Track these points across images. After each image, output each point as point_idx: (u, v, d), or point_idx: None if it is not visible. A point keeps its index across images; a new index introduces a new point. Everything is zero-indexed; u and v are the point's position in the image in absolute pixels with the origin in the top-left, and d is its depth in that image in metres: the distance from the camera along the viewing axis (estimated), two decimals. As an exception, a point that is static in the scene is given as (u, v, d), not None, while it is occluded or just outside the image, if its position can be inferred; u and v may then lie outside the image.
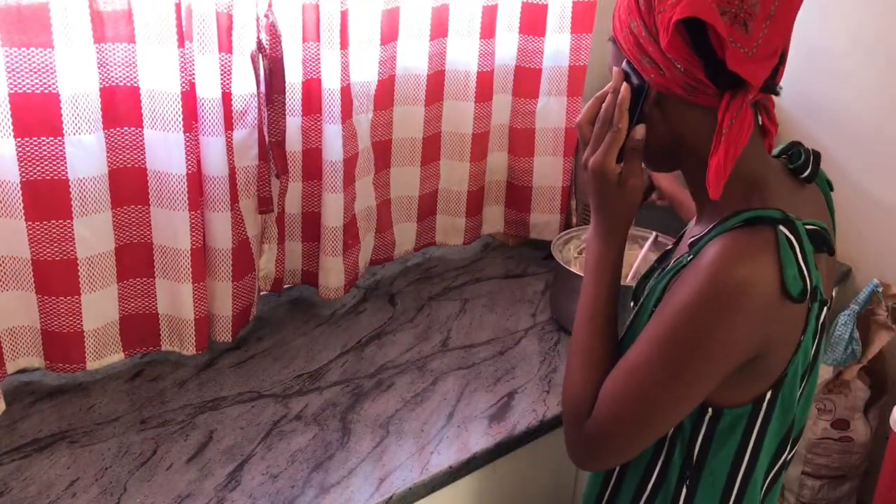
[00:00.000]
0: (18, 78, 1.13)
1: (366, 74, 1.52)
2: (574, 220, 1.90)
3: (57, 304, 1.27)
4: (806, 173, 0.94)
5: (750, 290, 0.80)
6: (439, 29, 1.61)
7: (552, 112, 1.78)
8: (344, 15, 1.39)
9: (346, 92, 1.45)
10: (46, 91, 1.15)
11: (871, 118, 1.89)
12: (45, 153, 1.18)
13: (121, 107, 1.25)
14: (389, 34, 1.52)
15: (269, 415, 1.31)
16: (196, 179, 1.30)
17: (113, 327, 1.35)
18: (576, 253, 1.67)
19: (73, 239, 1.24)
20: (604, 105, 0.93)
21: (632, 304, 1.03)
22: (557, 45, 1.73)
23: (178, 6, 1.20)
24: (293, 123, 1.48)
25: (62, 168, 1.20)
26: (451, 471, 1.22)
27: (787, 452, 0.97)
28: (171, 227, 1.33)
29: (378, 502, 1.14)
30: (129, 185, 1.30)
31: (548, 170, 1.83)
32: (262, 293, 1.59)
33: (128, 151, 1.28)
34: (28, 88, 1.14)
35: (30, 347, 1.30)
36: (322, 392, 1.37)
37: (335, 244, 1.55)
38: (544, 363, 1.49)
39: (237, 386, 1.38)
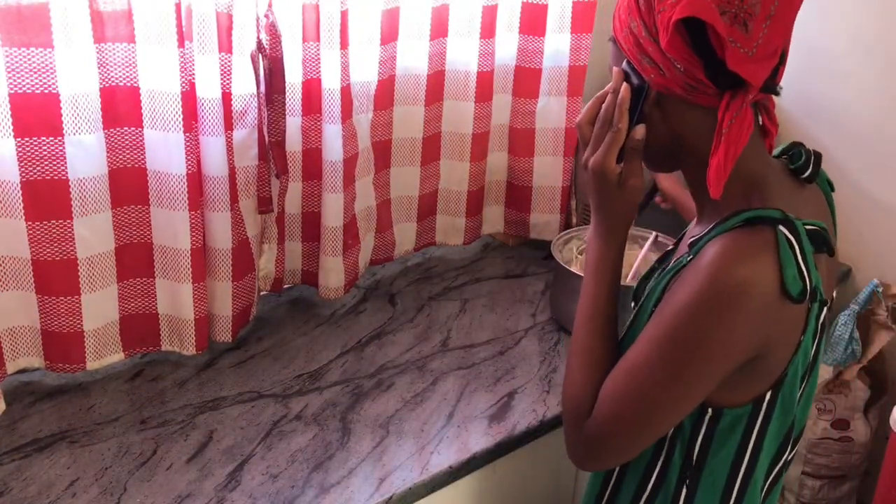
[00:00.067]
0: (18, 78, 1.13)
1: (366, 74, 1.52)
2: (574, 220, 1.90)
3: (57, 304, 1.27)
4: (806, 174, 0.94)
5: (750, 290, 0.80)
6: (439, 29, 1.61)
7: (552, 112, 1.78)
8: (344, 15, 1.39)
9: (346, 92, 1.45)
10: (46, 91, 1.15)
11: (871, 118, 1.89)
12: (45, 153, 1.18)
13: (121, 107, 1.25)
14: (389, 34, 1.52)
15: (269, 415, 1.31)
16: (196, 179, 1.30)
17: (113, 327, 1.35)
18: (576, 253, 1.67)
19: (73, 239, 1.24)
20: (604, 105, 0.93)
21: (632, 304, 1.03)
22: (557, 45, 1.73)
23: (178, 6, 1.20)
24: (293, 123, 1.48)
25: (62, 168, 1.20)
26: (451, 471, 1.22)
27: (787, 453, 0.97)
28: (171, 227, 1.33)
29: (378, 502, 1.14)
30: (129, 185, 1.30)
31: (548, 170, 1.83)
32: (262, 293, 1.59)
33: (128, 151, 1.28)
34: (28, 88, 1.14)
35: (30, 347, 1.30)
36: (322, 392, 1.37)
37: (335, 244, 1.55)
38: (544, 363, 1.49)
39: (237, 386, 1.38)
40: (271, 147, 1.42)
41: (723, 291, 0.81)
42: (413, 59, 1.60)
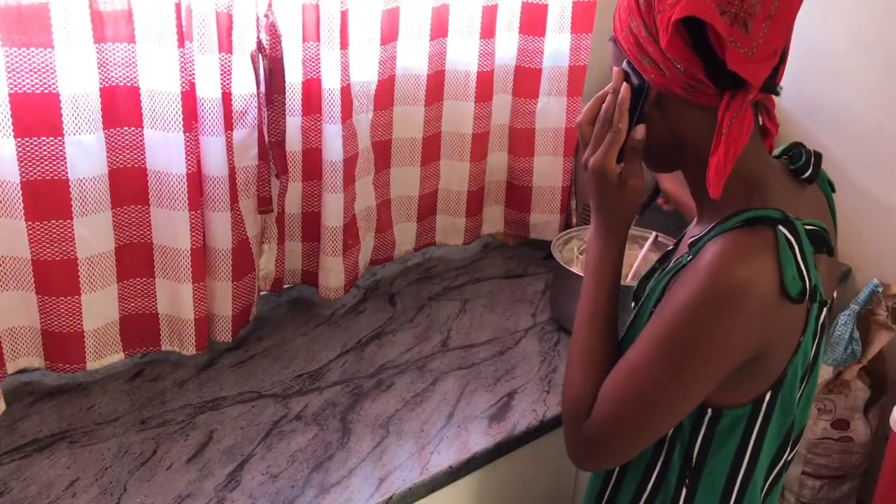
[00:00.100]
0: (18, 78, 1.13)
1: (366, 74, 1.52)
2: (574, 220, 1.90)
3: (57, 304, 1.27)
4: (807, 174, 0.94)
5: (749, 290, 0.80)
6: (439, 29, 1.61)
7: (552, 112, 1.78)
8: (344, 15, 1.39)
9: (346, 92, 1.45)
10: (46, 91, 1.15)
11: (871, 118, 1.89)
12: (45, 153, 1.18)
13: (121, 107, 1.25)
14: (389, 34, 1.52)
15: (269, 415, 1.31)
16: (196, 179, 1.30)
17: (113, 327, 1.35)
18: (577, 253, 1.67)
19: (73, 239, 1.24)
20: (604, 105, 0.93)
21: (633, 304, 1.03)
22: (557, 45, 1.73)
23: (178, 6, 1.20)
24: (293, 123, 1.48)
25: (62, 168, 1.20)
26: (451, 471, 1.22)
27: (787, 453, 0.97)
28: (171, 227, 1.33)
29: (378, 502, 1.14)
30: (129, 185, 1.30)
31: (548, 170, 1.83)
32: (262, 293, 1.59)
33: (128, 151, 1.28)
34: (28, 88, 1.14)
35: (30, 347, 1.30)
36: (322, 392, 1.37)
37: (335, 244, 1.55)
38: (544, 363, 1.49)
39: (237, 386, 1.38)
40: (271, 147, 1.42)
41: (722, 292, 0.81)
42: (413, 59, 1.60)
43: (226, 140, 1.32)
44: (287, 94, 1.40)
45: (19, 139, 1.16)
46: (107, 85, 1.22)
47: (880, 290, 1.88)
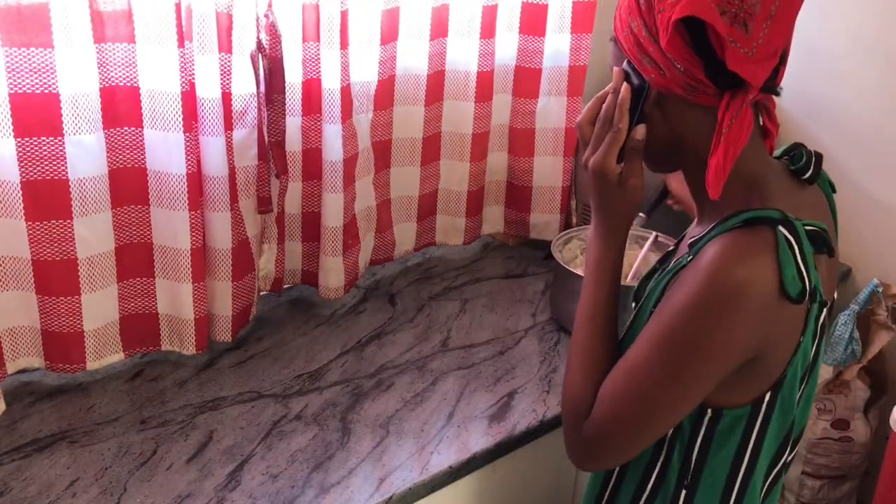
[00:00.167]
0: (18, 78, 1.13)
1: (366, 74, 1.52)
2: (574, 220, 1.90)
3: (57, 304, 1.27)
4: (807, 175, 0.94)
5: (748, 290, 0.80)
6: (439, 29, 1.61)
7: (552, 112, 1.78)
8: (344, 15, 1.39)
9: (346, 92, 1.45)
10: (46, 91, 1.15)
11: (871, 118, 1.89)
12: (45, 153, 1.18)
13: (121, 107, 1.25)
14: (389, 34, 1.52)
15: (269, 415, 1.31)
16: (196, 179, 1.30)
17: (113, 327, 1.35)
18: (578, 252, 1.67)
19: (73, 239, 1.24)
20: (604, 105, 0.93)
21: (633, 304, 1.03)
22: (557, 45, 1.73)
23: (178, 6, 1.20)
24: (293, 123, 1.48)
25: (62, 168, 1.20)
26: (451, 471, 1.22)
27: (787, 454, 0.97)
28: (171, 227, 1.33)
29: (378, 502, 1.14)
30: (129, 185, 1.30)
31: (548, 170, 1.83)
32: (262, 293, 1.59)
33: (128, 151, 1.28)
34: (28, 88, 1.14)
35: (30, 347, 1.30)
36: (322, 392, 1.37)
37: (335, 244, 1.55)
38: (544, 363, 1.49)
39: (237, 386, 1.38)
40: (271, 147, 1.42)
41: (721, 292, 0.81)
42: (413, 59, 1.60)
43: (226, 140, 1.32)
44: (287, 94, 1.40)
45: (19, 139, 1.16)
46: (107, 85, 1.22)
47: (880, 290, 1.88)
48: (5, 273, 1.24)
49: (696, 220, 1.01)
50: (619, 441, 0.91)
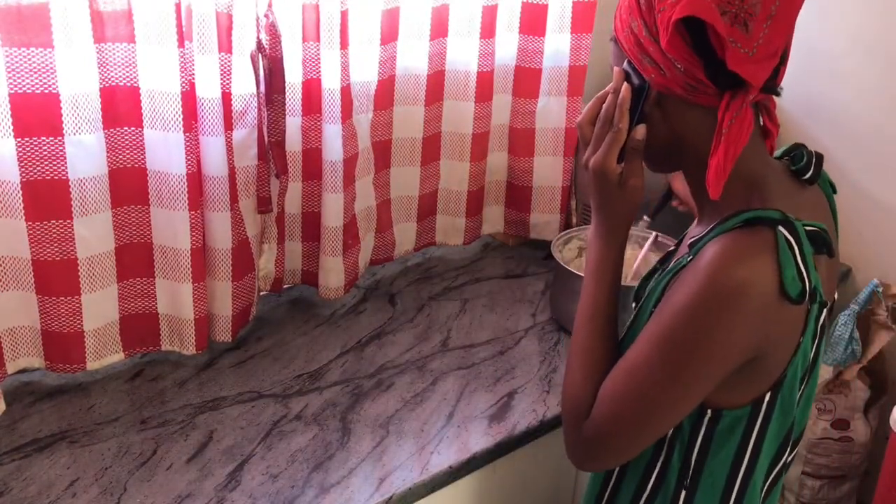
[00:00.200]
0: (18, 78, 1.13)
1: (366, 74, 1.52)
2: (574, 220, 1.90)
3: (57, 304, 1.27)
4: (808, 175, 0.94)
5: (748, 290, 0.80)
6: (439, 29, 1.61)
7: (552, 112, 1.78)
8: (344, 15, 1.39)
9: (346, 92, 1.45)
10: (46, 91, 1.15)
11: (871, 118, 1.89)
12: (45, 153, 1.18)
13: (121, 107, 1.25)
14: (389, 34, 1.52)
15: (269, 415, 1.31)
16: (196, 179, 1.30)
17: (113, 327, 1.35)
18: (580, 251, 1.67)
19: (73, 239, 1.24)
20: (604, 105, 0.93)
21: (633, 304, 1.03)
22: (557, 45, 1.73)
23: (178, 6, 1.20)
24: (293, 123, 1.48)
25: (62, 168, 1.20)
26: (451, 471, 1.22)
27: (787, 454, 0.97)
28: (171, 227, 1.33)
29: (378, 502, 1.14)
30: (129, 185, 1.30)
31: (548, 170, 1.83)
32: (261, 293, 1.59)
33: (128, 151, 1.28)
34: (28, 88, 1.14)
35: (30, 347, 1.30)
36: (322, 392, 1.37)
37: (335, 244, 1.55)
38: (544, 363, 1.49)
39: (237, 386, 1.38)
40: (271, 147, 1.42)
41: (721, 292, 0.81)
42: (413, 59, 1.60)
43: (226, 140, 1.32)
44: (287, 94, 1.40)
45: (19, 139, 1.16)
46: (107, 85, 1.22)
47: (880, 290, 1.88)
48: (5, 273, 1.24)
49: (696, 220, 1.01)
50: (619, 441, 0.91)
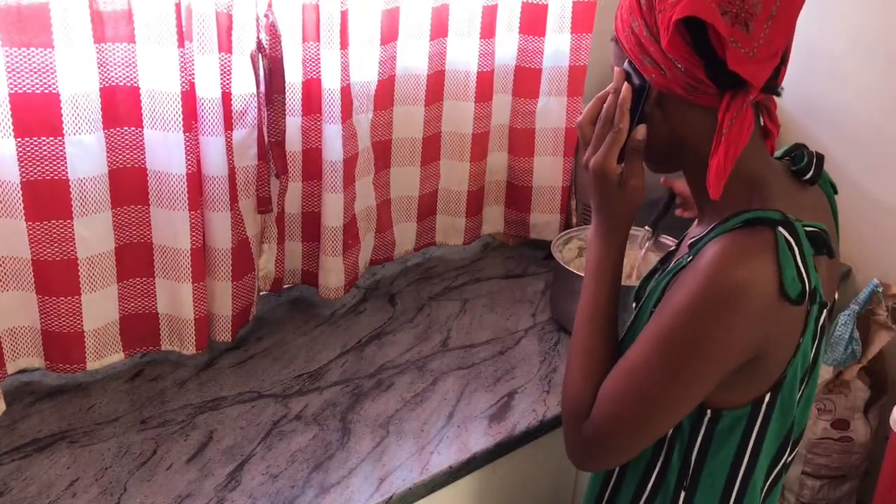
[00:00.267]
0: (18, 78, 1.13)
1: (366, 74, 1.52)
2: (574, 220, 1.90)
3: (57, 305, 1.27)
4: (808, 175, 0.94)
5: (748, 291, 0.80)
6: (439, 29, 1.61)
7: (552, 112, 1.78)
8: (344, 15, 1.39)
9: (346, 92, 1.45)
10: (46, 91, 1.15)
11: (872, 118, 1.89)
12: (45, 153, 1.18)
13: (121, 107, 1.25)
14: (389, 34, 1.52)
15: (269, 415, 1.31)
16: (196, 179, 1.30)
17: (113, 327, 1.35)
18: (580, 253, 1.67)
19: (73, 239, 1.24)
20: (605, 105, 0.93)
21: (634, 304, 1.03)
22: (557, 45, 1.73)
23: (177, 6, 1.20)
24: (293, 123, 1.48)
25: (62, 168, 1.20)
26: (451, 471, 1.22)
27: (787, 455, 0.97)
28: (170, 227, 1.33)
29: (378, 502, 1.14)
30: (129, 185, 1.30)
31: (548, 170, 1.83)
32: (261, 293, 1.59)
33: (128, 151, 1.28)
34: (28, 88, 1.14)
35: (30, 348, 1.30)
36: (322, 392, 1.37)
37: (335, 244, 1.55)
38: (544, 363, 1.49)
39: (237, 386, 1.38)
40: (271, 147, 1.42)
41: (721, 292, 0.81)
42: (413, 59, 1.60)
43: (225, 140, 1.32)
44: (287, 94, 1.40)
45: (19, 139, 1.16)
46: (107, 85, 1.22)
47: (880, 290, 1.88)
48: (5, 273, 1.24)
49: (696, 220, 1.00)
50: (619, 441, 0.91)
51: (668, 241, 1.59)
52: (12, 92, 1.13)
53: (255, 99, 1.36)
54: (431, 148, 1.72)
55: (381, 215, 1.70)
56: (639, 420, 0.89)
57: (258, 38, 1.32)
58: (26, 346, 1.30)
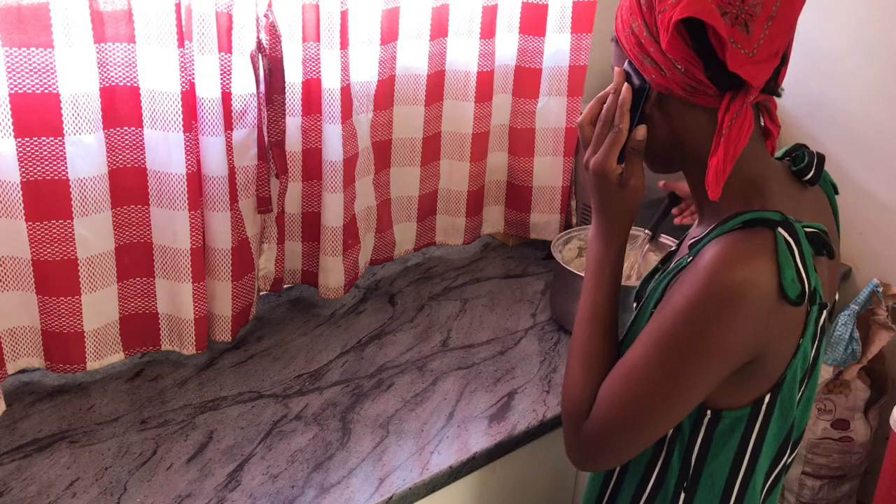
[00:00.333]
0: (18, 78, 1.13)
1: (366, 74, 1.52)
2: (574, 220, 1.90)
3: (57, 305, 1.27)
4: (809, 176, 0.94)
5: (747, 291, 0.80)
6: (439, 29, 1.61)
7: (552, 112, 1.78)
8: (344, 15, 1.39)
9: (346, 92, 1.45)
10: (46, 91, 1.15)
11: (872, 119, 1.89)
12: (45, 153, 1.18)
13: (121, 107, 1.25)
14: (389, 34, 1.52)
15: (269, 415, 1.31)
16: (196, 179, 1.30)
17: (113, 327, 1.35)
18: (580, 253, 1.67)
19: (74, 239, 1.24)
20: (605, 105, 0.93)
21: (634, 304, 1.03)
22: (557, 45, 1.73)
23: (177, 6, 1.20)
24: (293, 123, 1.48)
25: (62, 168, 1.20)
26: (451, 471, 1.22)
27: (787, 455, 0.97)
28: (170, 227, 1.33)
29: (378, 502, 1.14)
30: (129, 185, 1.30)
31: (548, 170, 1.83)
32: (261, 293, 1.59)
33: (128, 151, 1.28)
34: (28, 88, 1.14)
35: (30, 348, 1.30)
36: (322, 392, 1.37)
37: (335, 244, 1.55)
38: (544, 363, 1.49)
39: (237, 386, 1.38)
40: (271, 147, 1.42)
41: (720, 293, 0.81)
42: (413, 59, 1.60)
43: (225, 140, 1.32)
44: (287, 94, 1.40)
45: (19, 139, 1.16)
46: (107, 85, 1.22)
47: (880, 290, 1.88)
48: (5, 273, 1.24)
49: (696, 220, 1.00)
50: (619, 441, 0.91)
51: (669, 241, 1.59)
52: (12, 92, 1.13)
53: (255, 99, 1.36)
54: (431, 148, 1.72)
55: (381, 215, 1.70)
56: (639, 420, 0.89)
57: (258, 38, 1.32)
58: (26, 346, 1.30)
